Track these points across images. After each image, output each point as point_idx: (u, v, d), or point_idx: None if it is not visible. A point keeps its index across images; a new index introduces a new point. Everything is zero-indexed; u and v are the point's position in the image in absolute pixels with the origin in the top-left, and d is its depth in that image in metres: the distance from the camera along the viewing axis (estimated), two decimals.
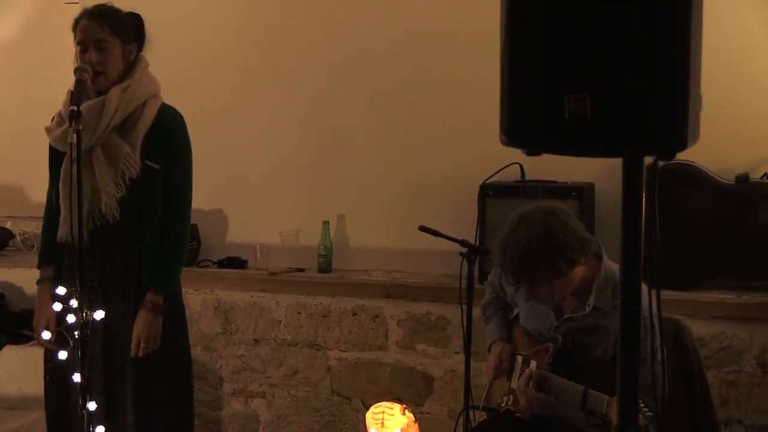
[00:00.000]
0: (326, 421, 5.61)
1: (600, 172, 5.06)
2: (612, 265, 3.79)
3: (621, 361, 2.11)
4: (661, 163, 2.03)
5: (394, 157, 5.64)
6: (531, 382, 3.80)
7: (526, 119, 1.98)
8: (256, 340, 5.68)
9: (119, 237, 4.14)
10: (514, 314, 4.17)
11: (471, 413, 4.59)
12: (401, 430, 5.18)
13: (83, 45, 4.06)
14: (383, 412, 5.24)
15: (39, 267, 4.35)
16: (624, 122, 1.90)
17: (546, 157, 2.09)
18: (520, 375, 3.93)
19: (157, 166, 4.14)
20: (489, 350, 4.15)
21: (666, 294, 2.31)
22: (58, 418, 4.33)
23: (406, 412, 5.23)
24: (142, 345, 4.11)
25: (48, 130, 4.21)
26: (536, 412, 3.82)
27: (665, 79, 1.87)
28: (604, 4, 1.89)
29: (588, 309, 3.79)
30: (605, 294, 3.76)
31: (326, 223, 5.66)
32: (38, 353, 4.59)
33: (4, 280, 5.91)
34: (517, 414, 3.93)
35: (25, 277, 5.72)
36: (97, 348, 4.06)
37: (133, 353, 4.11)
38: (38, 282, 4.32)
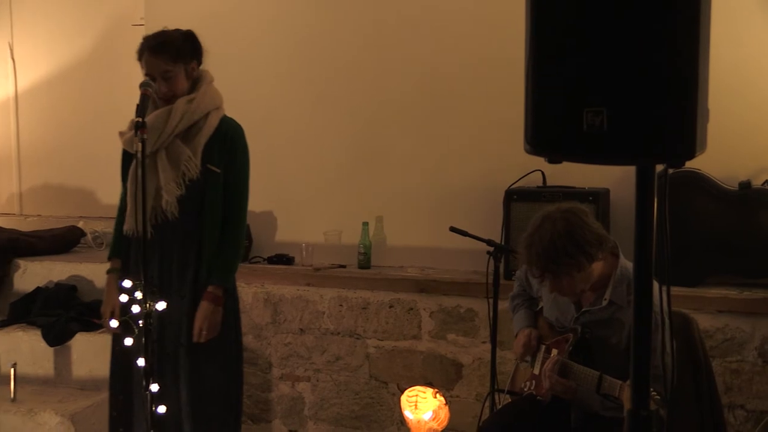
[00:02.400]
0: (365, 403, 5.61)
1: (615, 178, 5.04)
2: (627, 263, 3.79)
3: (633, 351, 2.10)
4: (671, 171, 2.02)
5: (427, 164, 5.63)
6: (556, 367, 3.79)
7: (548, 130, 1.98)
8: (301, 329, 5.69)
9: (179, 233, 4.17)
10: (539, 307, 4.17)
11: (496, 396, 4.59)
12: (433, 411, 5.18)
13: (151, 77, 4.08)
14: (417, 395, 5.24)
15: (109, 259, 4.38)
16: (637, 133, 1.90)
17: (566, 165, 2.08)
18: (543, 361, 3.93)
19: (217, 170, 4.16)
20: (516, 336, 4.15)
21: (675, 290, 2.31)
22: (122, 398, 4.35)
23: (438, 395, 5.23)
24: (203, 332, 4.13)
25: (121, 134, 4.25)
26: (558, 395, 3.81)
27: (675, 94, 1.87)
28: (619, 29, 1.89)
29: (604, 303, 3.79)
30: (620, 289, 3.77)
31: (365, 224, 5.66)
32: (107, 339, 4.61)
33: (77, 274, 5.94)
34: (538, 397, 3.93)
35: (95, 270, 5.76)
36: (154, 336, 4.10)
37: (195, 339, 4.14)
38: (108, 272, 4.36)
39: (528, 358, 4.08)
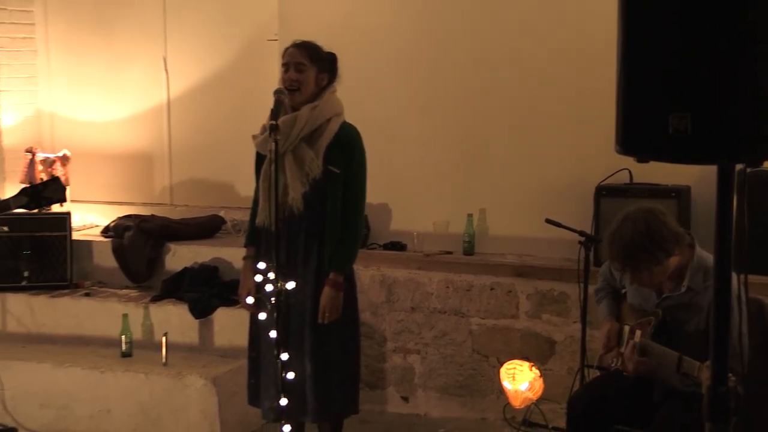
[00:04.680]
0: (468, 374, 5.60)
1: (695, 176, 4.94)
2: (703, 253, 3.75)
3: (714, 331, 2.06)
4: (749, 170, 1.98)
5: (526, 162, 5.59)
6: (636, 350, 3.75)
7: (637, 133, 1.96)
8: (413, 308, 5.69)
9: (303, 225, 4.21)
10: (623, 292, 4.11)
11: (586, 371, 4.55)
12: (529, 383, 5.14)
13: (286, 66, 4.21)
14: (515, 368, 5.21)
15: (245, 246, 4.46)
16: (719, 136, 1.87)
17: (651, 163, 2.05)
18: (628, 341, 3.88)
19: (337, 171, 4.19)
20: (601, 325, 4.10)
21: (751, 278, 2.26)
22: (256, 365, 4.42)
23: (533, 368, 5.19)
24: (327, 314, 4.17)
25: (254, 137, 4.32)
26: (640, 375, 3.77)
27: (755, 100, 1.83)
28: (703, 39, 1.85)
29: (683, 289, 3.75)
30: (697, 277, 3.71)
31: (470, 215, 5.64)
32: (244, 314, 4.69)
33: (218, 256, 6.04)
34: (624, 373, 3.88)
35: (233, 254, 5.84)
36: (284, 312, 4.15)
37: (320, 321, 4.18)
38: (244, 258, 4.43)
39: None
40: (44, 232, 6.13)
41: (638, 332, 3.83)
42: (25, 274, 6.08)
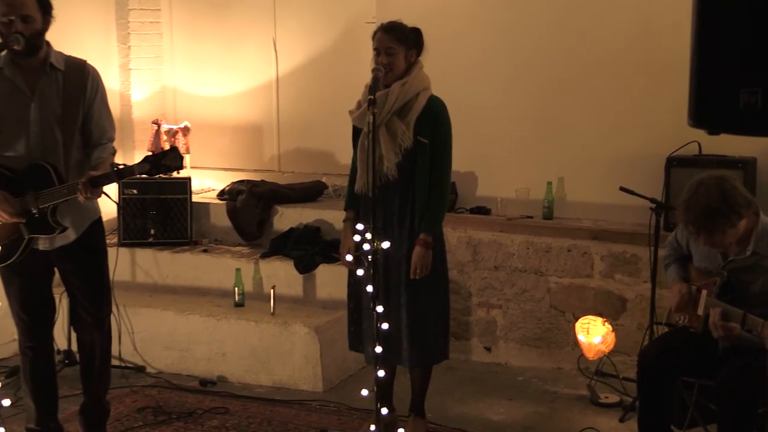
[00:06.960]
0: (546, 327, 5.57)
1: (761, 147, 4.82)
2: (767, 219, 3.69)
3: None
4: None
5: (602, 134, 5.51)
6: (720, 315, 3.60)
7: (709, 107, 1.91)
8: (496, 267, 5.67)
9: (397, 191, 4.23)
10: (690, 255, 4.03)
11: (655, 327, 4.49)
12: (602, 336, 5.09)
13: (377, 51, 4.19)
14: (589, 322, 5.17)
15: (345, 210, 4.49)
16: None
17: (719, 135, 2.00)
18: (695, 299, 3.80)
19: (425, 141, 4.19)
20: (671, 286, 4.01)
21: None
22: (355, 315, 4.46)
23: (606, 323, 5.14)
24: (418, 271, 4.19)
25: (351, 112, 4.34)
26: (732, 341, 3.64)
27: None
28: None
29: (748, 253, 3.68)
30: (762, 241, 3.64)
31: (549, 183, 5.58)
32: (343, 269, 4.73)
33: (321, 218, 6.09)
34: (691, 329, 3.82)
35: (334, 216, 5.89)
36: (380, 269, 4.17)
37: (411, 276, 4.21)
38: (344, 221, 4.46)
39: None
40: (168, 195, 6.26)
41: (704, 291, 3.77)
42: (152, 231, 6.23)
